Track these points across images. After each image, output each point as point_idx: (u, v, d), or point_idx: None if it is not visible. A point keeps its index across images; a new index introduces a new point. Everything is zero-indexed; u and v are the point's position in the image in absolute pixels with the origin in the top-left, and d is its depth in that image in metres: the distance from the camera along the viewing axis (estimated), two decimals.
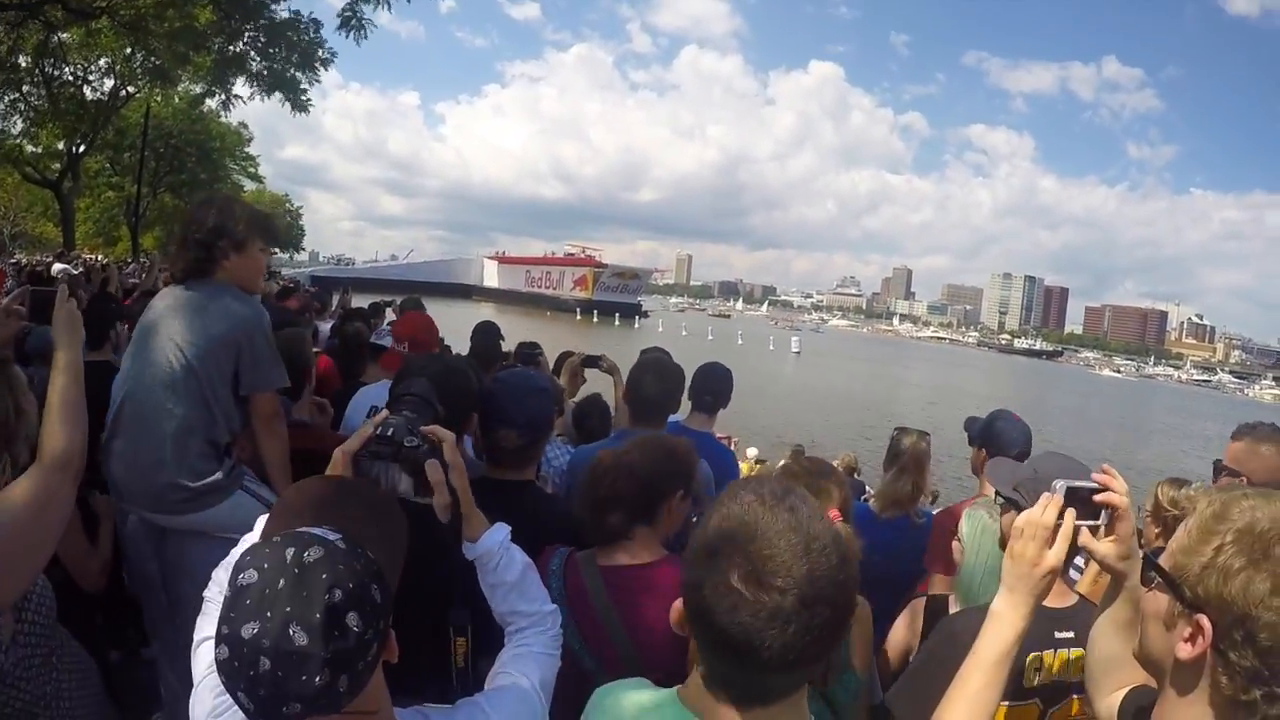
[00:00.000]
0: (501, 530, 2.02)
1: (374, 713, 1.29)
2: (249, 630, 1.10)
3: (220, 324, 3.01)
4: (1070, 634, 2.19)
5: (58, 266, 14.68)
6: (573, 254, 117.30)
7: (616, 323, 77.69)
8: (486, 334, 5.74)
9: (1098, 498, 1.80)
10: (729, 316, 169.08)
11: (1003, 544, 2.45)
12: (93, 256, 32.51)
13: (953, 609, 2.82)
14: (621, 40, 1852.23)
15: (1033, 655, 2.17)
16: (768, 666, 1.19)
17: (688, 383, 4.02)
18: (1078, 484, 1.83)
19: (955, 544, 2.95)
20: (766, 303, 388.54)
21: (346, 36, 15.77)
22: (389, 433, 1.93)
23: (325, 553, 1.17)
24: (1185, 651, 1.24)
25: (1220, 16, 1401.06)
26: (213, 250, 3.13)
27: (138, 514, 3.02)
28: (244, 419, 3.08)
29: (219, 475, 2.91)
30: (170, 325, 3.02)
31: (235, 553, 1.77)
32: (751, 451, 13.44)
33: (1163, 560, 1.34)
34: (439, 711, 1.59)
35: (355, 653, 1.15)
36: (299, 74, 18.41)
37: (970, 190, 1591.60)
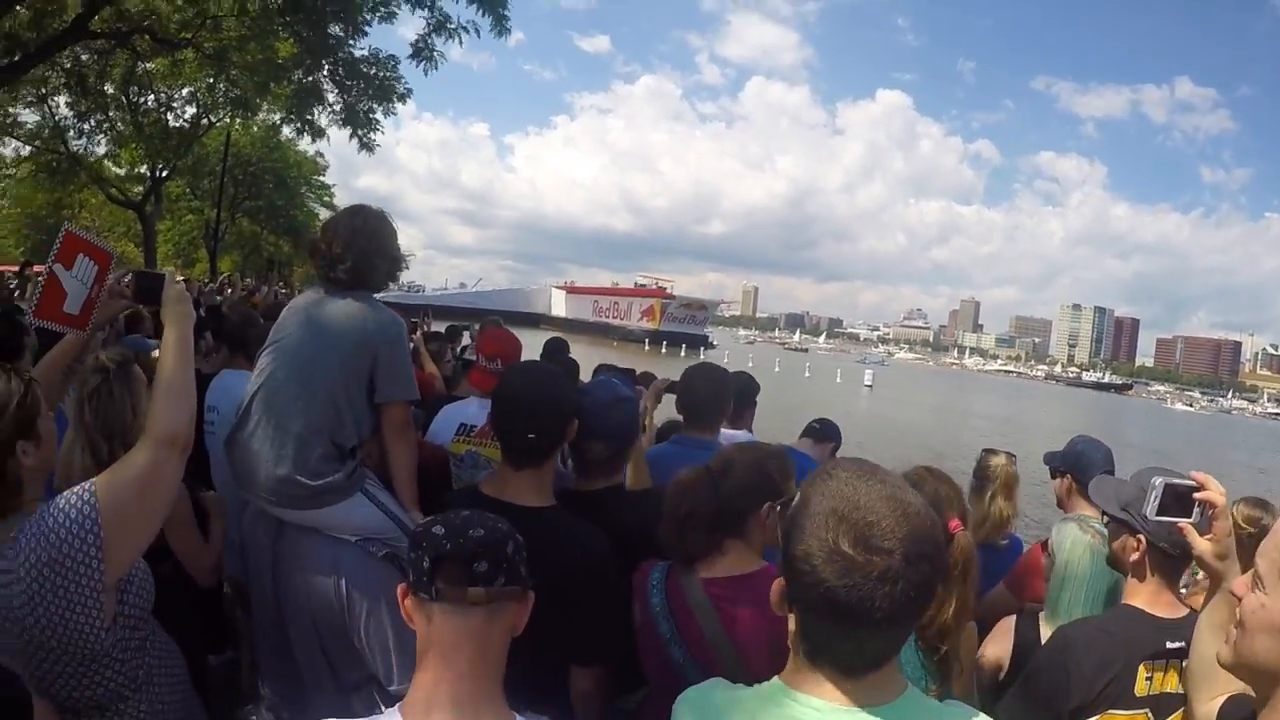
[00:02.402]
0: None
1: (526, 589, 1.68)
2: (439, 530, 1.62)
3: (361, 330, 3.04)
4: (1181, 644, 2.18)
5: None
6: (644, 285, 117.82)
7: (683, 353, 77.47)
8: (559, 349, 5.83)
9: (1197, 495, 1.88)
10: (805, 350, 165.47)
11: (1113, 563, 2.48)
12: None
13: (1042, 624, 2.81)
14: (690, 72, 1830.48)
15: (1144, 664, 2.19)
16: (879, 626, 1.25)
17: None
18: (1175, 481, 1.91)
19: (1045, 559, 2.98)
20: (825, 334, 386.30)
21: (417, 66, 16.09)
22: None
23: (496, 522, 1.69)
24: None
25: None
26: (391, 271, 3.25)
27: (257, 503, 3.05)
28: (374, 425, 3.10)
29: (339, 476, 2.93)
30: (311, 326, 3.07)
31: None
32: None
33: (1263, 564, 1.35)
34: None
35: (506, 571, 1.61)
36: (375, 105, 18.80)
37: (1040, 219, 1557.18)
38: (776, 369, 64.77)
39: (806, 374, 65.68)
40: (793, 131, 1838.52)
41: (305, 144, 27.36)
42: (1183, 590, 2.76)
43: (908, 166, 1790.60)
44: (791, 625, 1.41)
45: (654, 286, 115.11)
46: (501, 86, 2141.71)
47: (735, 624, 2.32)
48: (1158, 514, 1.93)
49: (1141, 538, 2.25)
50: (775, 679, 1.45)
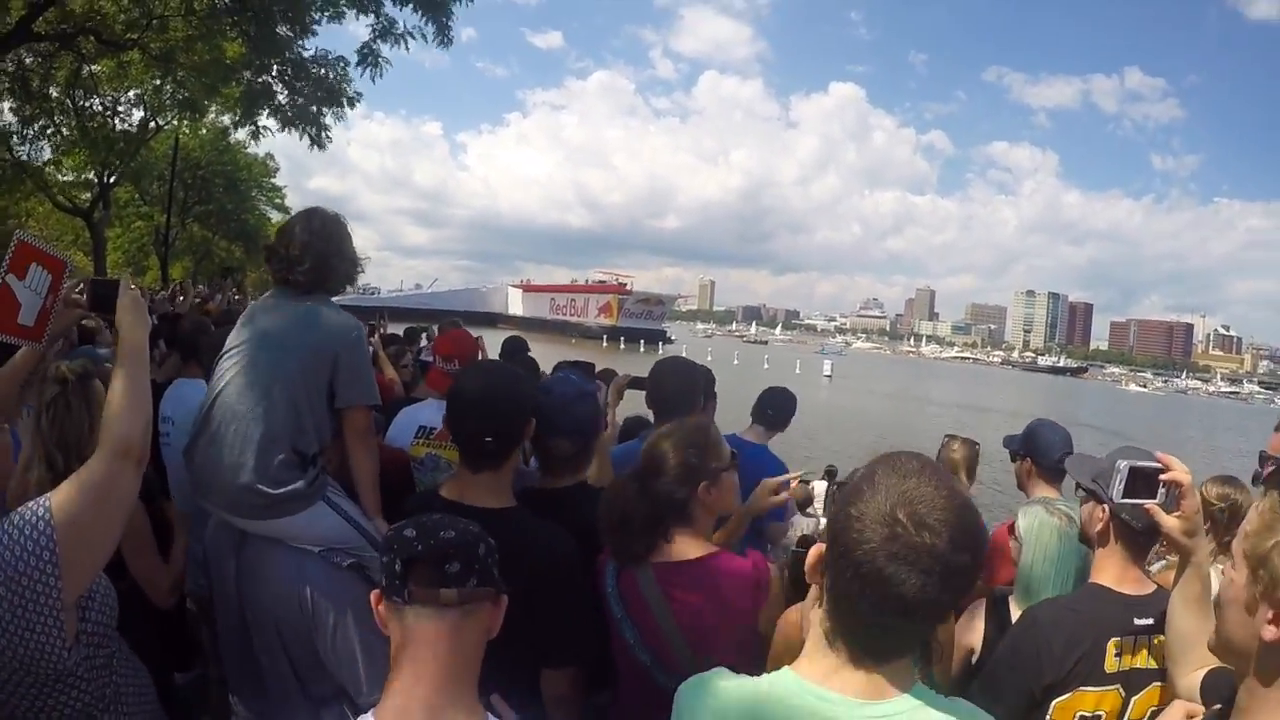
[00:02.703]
0: None
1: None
2: (410, 532, 1.62)
3: (320, 334, 3.00)
4: (1150, 620, 2.24)
5: None
6: (603, 281, 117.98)
7: (642, 349, 77.71)
8: (518, 349, 5.82)
9: (1163, 477, 1.94)
10: (764, 342, 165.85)
11: (1083, 535, 2.53)
12: None
13: (1013, 607, 2.84)
14: (643, 66, 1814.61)
15: (1114, 640, 2.24)
16: (908, 607, 1.27)
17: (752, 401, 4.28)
18: (1140, 464, 1.97)
19: (1012, 542, 3.01)
20: (780, 326, 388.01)
21: (363, 75, 16.03)
22: None
23: (465, 525, 1.69)
24: (1271, 634, 1.23)
25: (1240, 22, 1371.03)
26: (349, 273, 3.23)
27: (218, 514, 3.01)
28: (334, 431, 3.06)
29: (300, 484, 2.88)
30: (269, 332, 3.03)
31: None
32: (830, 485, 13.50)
33: (1236, 545, 1.36)
34: None
35: (479, 573, 1.61)
36: (324, 109, 18.62)
37: (994, 208, 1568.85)
38: (735, 362, 65.12)
39: (766, 366, 65.99)
40: (747, 125, 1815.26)
41: (255, 146, 27.03)
42: (1154, 568, 2.83)
43: (861, 158, 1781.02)
44: (814, 606, 1.47)
45: (616, 283, 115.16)
46: (454, 84, 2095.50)
47: (685, 610, 2.37)
48: (1123, 496, 1.98)
49: (1106, 508, 2.30)
50: (786, 668, 1.46)
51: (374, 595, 1.62)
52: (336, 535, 2.93)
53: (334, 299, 3.20)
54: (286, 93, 18.65)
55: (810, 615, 1.50)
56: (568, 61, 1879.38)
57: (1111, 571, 2.33)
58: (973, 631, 2.90)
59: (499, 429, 2.55)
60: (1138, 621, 2.25)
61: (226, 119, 25.36)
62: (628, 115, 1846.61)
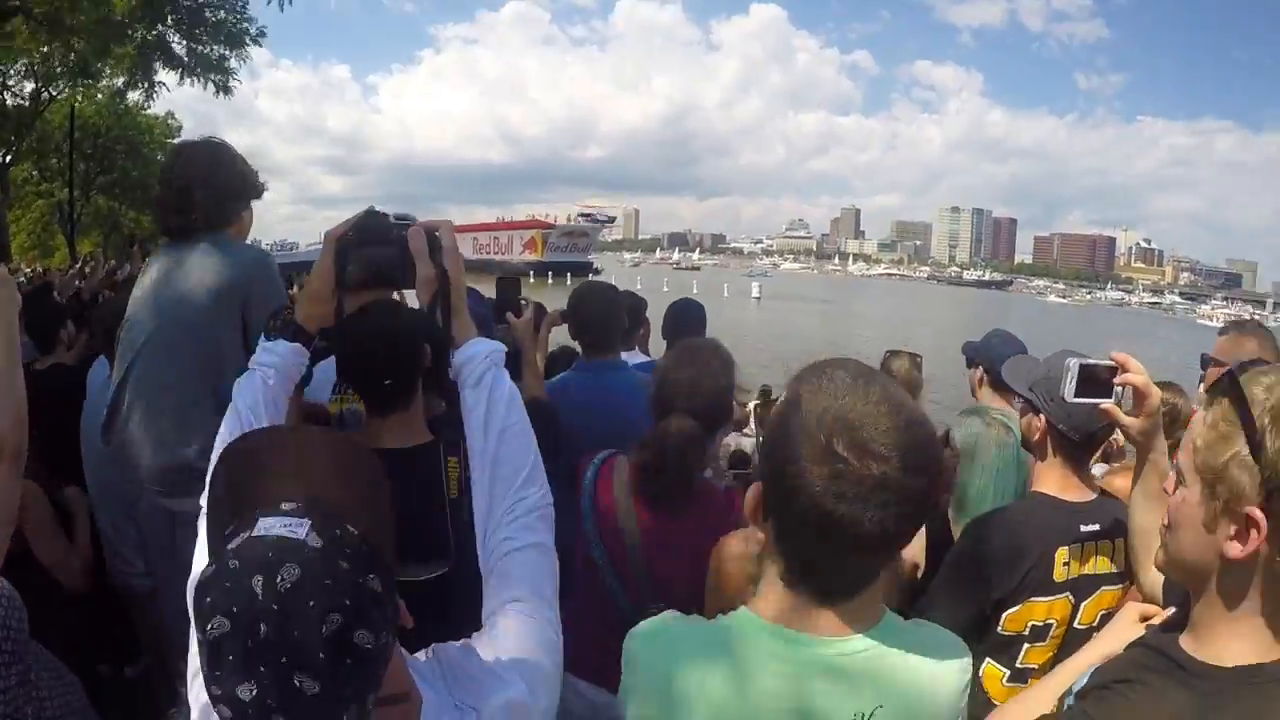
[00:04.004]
0: (494, 344, 1.82)
1: (406, 694, 1.17)
2: (247, 693, 0.90)
3: (220, 273, 2.77)
4: (1095, 526, 2.22)
5: None
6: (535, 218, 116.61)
7: (569, 282, 77.38)
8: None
9: (1118, 379, 1.88)
10: (697, 269, 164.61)
11: (1026, 444, 2.47)
12: (31, 269, 31.84)
13: (951, 520, 2.82)
14: None
15: (1061, 549, 2.20)
16: (863, 543, 1.16)
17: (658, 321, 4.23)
18: (1090, 362, 1.91)
19: (947, 451, 2.91)
20: (709, 250, 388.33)
21: (269, 3, 15.44)
22: (374, 209, 1.86)
23: (301, 570, 0.93)
24: (1236, 550, 1.18)
25: None
26: (233, 202, 2.96)
27: (149, 496, 2.85)
28: None
29: None
30: (166, 288, 2.82)
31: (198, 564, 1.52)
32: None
33: (1183, 458, 1.30)
34: (450, 662, 1.39)
35: (376, 666, 0.99)
36: (227, 53, 18.00)
37: (919, 127, 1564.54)
38: (665, 289, 65.33)
39: (695, 291, 66.37)
40: (667, 50, 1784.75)
41: (153, 106, 26.05)
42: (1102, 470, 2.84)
43: (785, 80, 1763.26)
44: (763, 545, 1.35)
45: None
46: (360, 24, 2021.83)
47: (652, 530, 2.43)
48: (1075, 395, 1.92)
49: (1043, 417, 2.27)
50: (743, 608, 1.37)
51: None
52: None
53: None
54: (184, 43, 17.99)
55: (760, 553, 1.39)
56: None
57: (1054, 480, 2.30)
58: (914, 547, 2.85)
59: (396, 370, 2.43)
60: (1084, 528, 2.23)
61: (121, 81, 24.37)
62: (544, 46, 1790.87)
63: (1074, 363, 1.90)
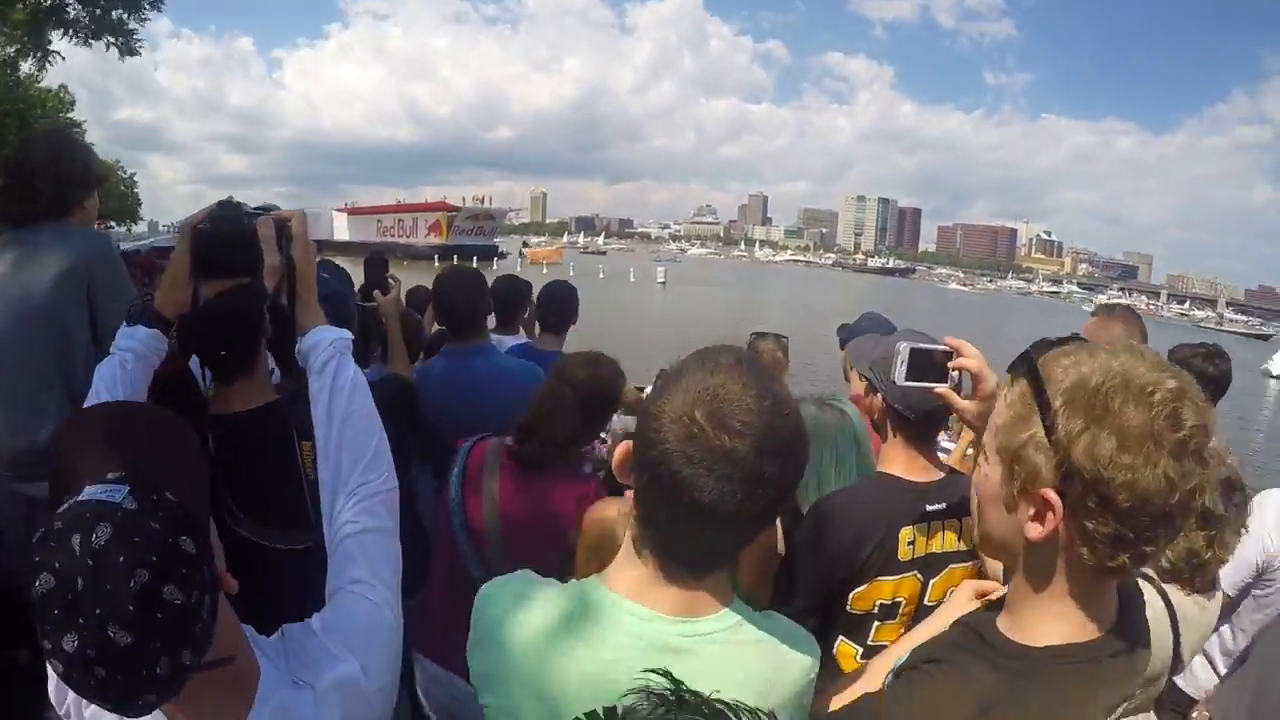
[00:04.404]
0: (340, 332, 1.88)
1: (231, 658, 1.23)
2: (70, 643, 0.99)
3: (65, 259, 2.77)
4: (941, 505, 2.25)
5: None
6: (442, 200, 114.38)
7: (474, 265, 76.75)
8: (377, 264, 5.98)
9: (953, 364, 1.88)
10: (604, 253, 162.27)
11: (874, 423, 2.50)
12: None
13: (800, 504, 2.73)
14: None
15: (905, 529, 2.23)
16: (704, 511, 1.18)
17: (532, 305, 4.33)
18: (922, 345, 1.90)
19: None
20: (616, 235, 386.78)
21: None
22: (232, 199, 1.93)
23: (114, 529, 1.02)
24: (1036, 531, 1.19)
25: None
26: (74, 190, 2.93)
27: (5, 481, 2.78)
28: None
29: None
30: (11, 276, 2.78)
31: None
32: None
33: (986, 438, 1.32)
34: (292, 639, 1.46)
35: (187, 621, 1.05)
36: (126, 15, 17.23)
37: (829, 117, 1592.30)
38: (571, 273, 65.15)
39: (601, 275, 66.31)
40: (580, 32, 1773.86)
41: (46, 78, 24.85)
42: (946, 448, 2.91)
43: (698, 66, 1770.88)
44: (630, 508, 1.35)
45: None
46: None
47: (515, 501, 2.56)
48: (906, 379, 1.90)
49: (880, 396, 2.31)
50: (594, 576, 1.39)
51: None
52: None
53: (152, 241, 3.05)
54: (79, 5, 17.19)
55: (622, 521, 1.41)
56: None
57: (899, 460, 2.32)
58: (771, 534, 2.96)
59: (231, 340, 2.37)
60: (929, 508, 2.25)
61: (12, 50, 23.14)
62: (456, 23, 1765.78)
63: (904, 346, 1.88)
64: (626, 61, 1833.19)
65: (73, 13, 17.21)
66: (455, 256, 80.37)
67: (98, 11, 16.97)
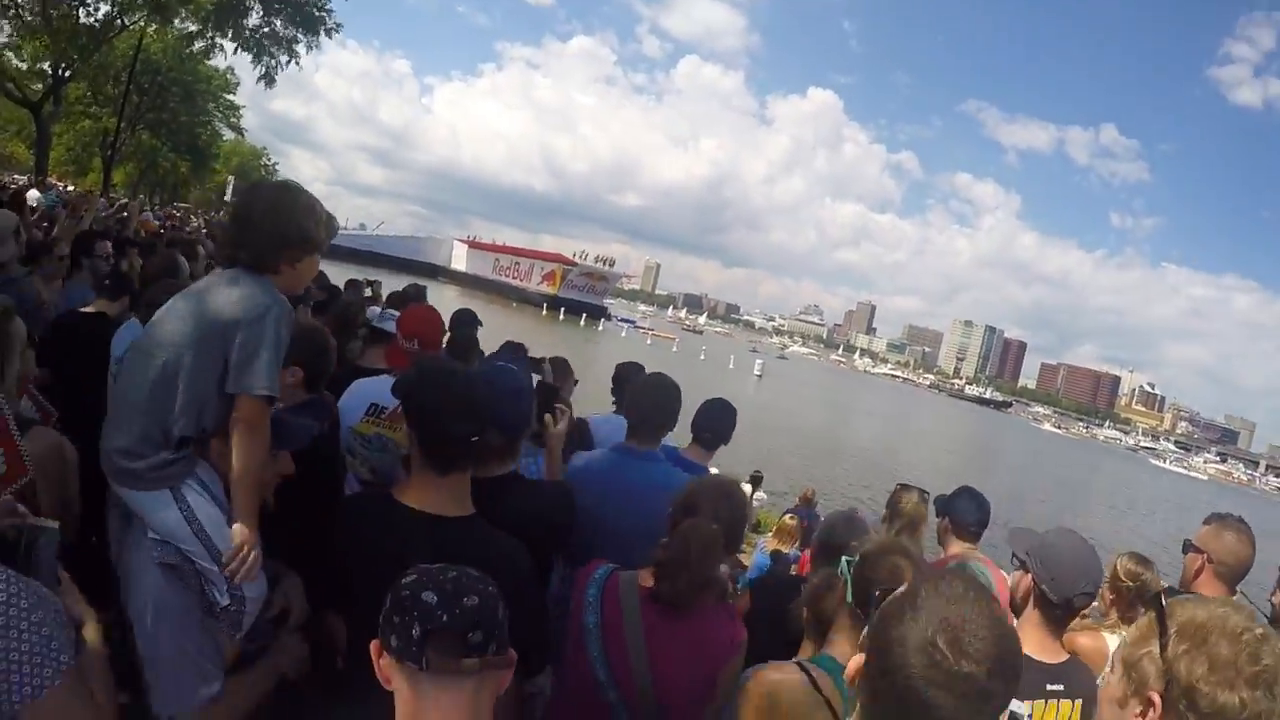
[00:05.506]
0: None
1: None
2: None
3: (226, 308, 2.74)
4: (1060, 687, 2.54)
5: (34, 194, 14.32)
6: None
7: (582, 323, 77.65)
8: (465, 324, 5.81)
9: None
10: (700, 332, 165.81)
11: (1012, 601, 2.88)
12: (63, 185, 31.91)
13: None
14: (628, 40, 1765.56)
15: (1026, 704, 2.49)
16: None
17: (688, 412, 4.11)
18: None
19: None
20: (721, 318, 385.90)
21: None
22: None
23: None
24: None
25: (1222, 104, 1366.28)
26: (281, 251, 2.87)
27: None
28: (222, 418, 2.74)
29: (141, 464, 2.63)
30: (182, 300, 2.84)
31: None
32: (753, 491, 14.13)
33: (1117, 651, 1.68)
34: None
35: None
36: (299, 34, 18.14)
37: (950, 237, 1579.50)
38: (675, 349, 65.57)
39: (702, 357, 66.63)
40: (721, 115, 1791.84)
41: (218, 59, 26.22)
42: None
43: (829, 166, 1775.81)
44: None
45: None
46: (431, 23, 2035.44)
47: (660, 645, 2.56)
48: None
49: (1031, 576, 2.63)
50: None
51: (374, 646, 1.60)
52: (170, 530, 2.64)
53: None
54: (261, 11, 18.13)
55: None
56: (554, 21, 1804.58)
57: (1032, 639, 2.52)
58: None
59: (482, 428, 2.54)
60: (1049, 687, 2.52)
61: (194, 27, 24.39)
62: (605, 84, 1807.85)
63: None
64: (761, 152, 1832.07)
65: (254, 19, 18.10)
66: (563, 309, 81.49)
67: (274, 20, 17.79)
